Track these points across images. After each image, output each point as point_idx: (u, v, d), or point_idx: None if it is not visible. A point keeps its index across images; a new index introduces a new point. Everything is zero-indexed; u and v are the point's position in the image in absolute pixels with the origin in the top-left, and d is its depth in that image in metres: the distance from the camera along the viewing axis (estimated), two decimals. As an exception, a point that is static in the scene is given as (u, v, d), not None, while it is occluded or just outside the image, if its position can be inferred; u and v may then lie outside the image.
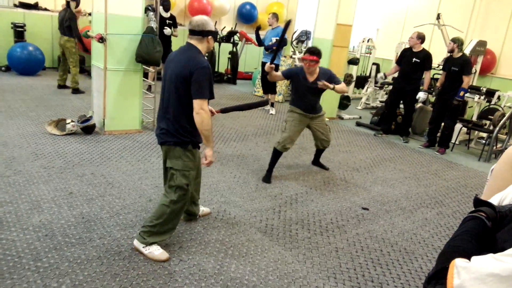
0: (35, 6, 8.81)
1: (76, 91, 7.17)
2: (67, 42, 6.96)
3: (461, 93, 5.79)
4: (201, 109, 2.47)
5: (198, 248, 2.87)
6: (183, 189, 2.64)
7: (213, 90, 2.58)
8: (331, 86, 4.02)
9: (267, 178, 4.19)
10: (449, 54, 6.09)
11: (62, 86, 7.37)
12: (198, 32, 2.55)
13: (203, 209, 3.32)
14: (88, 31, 5.24)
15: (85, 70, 8.98)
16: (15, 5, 8.70)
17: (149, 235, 2.67)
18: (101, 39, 4.71)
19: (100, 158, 4.30)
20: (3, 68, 8.36)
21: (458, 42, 5.90)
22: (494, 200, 1.12)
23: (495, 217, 0.97)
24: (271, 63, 3.92)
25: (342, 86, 4.14)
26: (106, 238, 2.85)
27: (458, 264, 0.81)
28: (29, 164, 3.92)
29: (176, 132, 2.58)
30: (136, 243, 2.71)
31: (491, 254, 0.79)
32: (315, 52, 3.99)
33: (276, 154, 4.23)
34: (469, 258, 0.82)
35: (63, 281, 2.36)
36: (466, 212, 4.07)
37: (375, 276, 2.81)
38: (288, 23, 3.92)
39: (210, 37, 2.59)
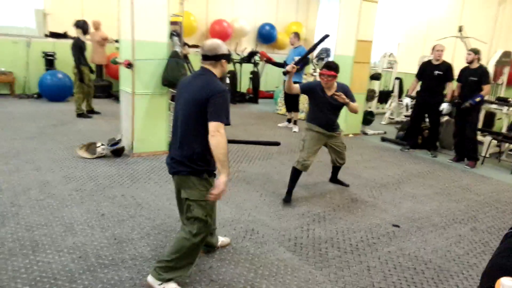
0: (64, 35, 9.23)
1: (80, 115, 7.23)
2: (74, 68, 7.12)
3: (477, 99, 5.71)
4: (217, 132, 2.32)
5: (228, 268, 2.86)
6: (202, 221, 2.48)
7: (229, 116, 2.43)
8: (347, 100, 3.96)
9: (288, 199, 4.09)
10: (465, 66, 6.02)
11: (89, 112, 7.57)
12: (212, 57, 2.47)
13: (222, 240, 3.14)
14: (116, 57, 5.44)
15: (112, 95, 9.28)
16: (46, 35, 9.14)
17: (165, 271, 2.49)
18: (129, 65, 4.88)
19: (130, 180, 4.39)
20: (35, 96, 8.74)
21: (478, 54, 5.88)
22: None
23: None
24: (296, 65, 3.92)
25: (356, 105, 4.09)
26: (137, 259, 2.89)
27: (505, 284, 0.79)
28: (62, 187, 4.05)
29: (190, 160, 2.44)
30: (150, 279, 2.52)
31: None
32: (332, 67, 3.97)
33: (296, 174, 4.14)
34: None
35: (98, 302, 2.40)
36: (501, 228, 3.92)
37: (410, 295, 2.73)
38: (325, 36, 3.98)
39: (223, 60, 2.52)
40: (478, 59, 5.90)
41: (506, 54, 7.84)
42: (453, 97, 6.25)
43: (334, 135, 4.24)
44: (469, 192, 4.90)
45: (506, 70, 7.97)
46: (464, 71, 6.04)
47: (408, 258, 3.22)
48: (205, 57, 2.49)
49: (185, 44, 7.89)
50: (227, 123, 2.42)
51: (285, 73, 3.99)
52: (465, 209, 4.36)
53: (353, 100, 4.09)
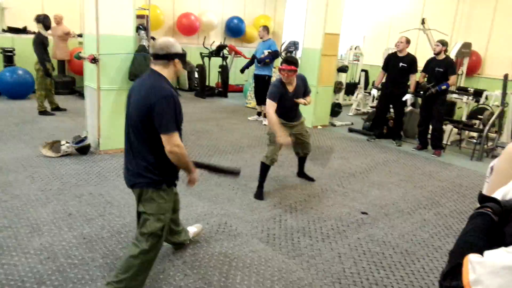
0: (23, 30, 8.83)
1: (42, 113, 6.98)
2: (35, 64, 6.86)
3: (443, 87, 5.92)
4: (173, 146, 2.15)
5: (202, 262, 2.87)
6: (157, 236, 2.31)
7: (180, 121, 2.26)
8: (307, 102, 4.14)
9: (259, 195, 4.07)
10: (432, 57, 6.23)
11: (55, 109, 7.30)
12: (162, 56, 2.25)
13: (194, 230, 3.06)
14: (80, 52, 5.27)
15: (75, 91, 8.99)
16: (4, 30, 8.71)
17: None
18: (94, 60, 4.75)
19: (97, 177, 4.29)
20: (-7, 93, 8.33)
21: (446, 45, 6.08)
22: (498, 195, 1.15)
23: (501, 211, 1.00)
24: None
25: (308, 98, 4.19)
26: (109, 257, 2.84)
27: (473, 260, 0.83)
28: (26, 187, 3.91)
29: (146, 171, 2.25)
30: None
31: (503, 248, 0.82)
32: (292, 62, 3.95)
33: (265, 169, 4.12)
34: (481, 254, 0.85)
35: (68, 302, 2.35)
36: (463, 211, 4.12)
37: (379, 279, 2.83)
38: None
39: (176, 60, 2.27)
40: (445, 51, 6.10)
41: (466, 45, 8.17)
42: (420, 84, 6.46)
43: (297, 123, 4.25)
44: (433, 179, 5.10)
45: (466, 61, 8.32)
46: (430, 62, 6.23)
47: (377, 243, 3.33)
48: (156, 56, 2.27)
49: (153, 38, 7.72)
50: (178, 129, 2.22)
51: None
52: (429, 195, 4.54)
53: (309, 92, 4.22)
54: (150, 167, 2.25)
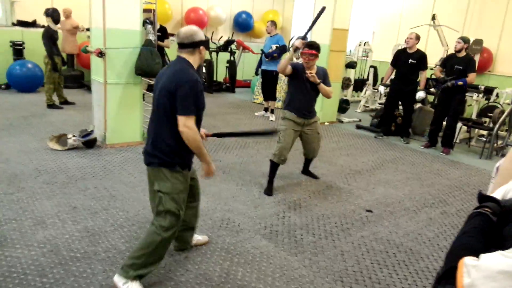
0: (33, 24, 8.89)
1: (50, 106, 7.03)
2: (45, 58, 6.91)
3: (460, 82, 5.72)
4: (184, 127, 2.26)
5: (203, 258, 2.86)
6: (174, 214, 2.40)
7: (201, 107, 2.38)
8: (318, 80, 3.91)
9: (269, 191, 4.05)
10: (452, 53, 6.08)
11: (63, 102, 7.35)
12: (188, 44, 2.36)
13: (198, 238, 3.01)
14: (87, 46, 5.29)
15: (84, 85, 9.04)
16: (14, 24, 8.78)
17: (133, 268, 2.37)
18: (100, 54, 4.76)
19: (103, 171, 4.31)
20: (3, 86, 8.41)
21: (468, 43, 5.90)
22: (498, 194, 1.11)
23: (500, 211, 0.96)
24: (303, 39, 3.88)
25: (329, 88, 4.04)
26: (111, 251, 2.85)
27: (468, 263, 0.81)
28: (32, 180, 3.94)
29: (161, 152, 2.37)
30: (116, 278, 2.40)
31: (499, 251, 0.79)
32: (314, 46, 3.90)
33: (274, 166, 4.09)
34: (477, 256, 0.82)
35: (69, 295, 2.36)
36: (470, 210, 4.03)
37: (382, 278, 2.80)
38: (322, 9, 3.94)
39: (201, 47, 2.40)
40: (467, 48, 5.91)
41: (477, 42, 8.03)
42: (429, 85, 6.34)
43: (310, 122, 4.13)
44: (440, 177, 5.04)
45: (477, 58, 8.17)
46: (449, 59, 6.07)
47: (381, 242, 3.30)
48: (182, 45, 2.37)
49: (163, 34, 7.66)
50: (198, 114, 2.35)
51: (295, 50, 3.83)
52: (436, 193, 4.48)
53: (328, 84, 4.06)
54: (166, 149, 2.36)
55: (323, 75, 4.05)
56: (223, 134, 2.87)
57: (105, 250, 2.85)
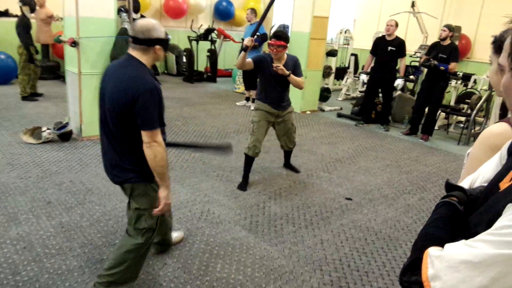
0: (5, 13, 8.55)
1: (25, 98, 6.79)
2: (19, 48, 6.65)
3: (442, 67, 5.70)
4: (153, 141, 1.99)
5: (182, 251, 2.83)
6: (152, 230, 2.24)
7: (163, 116, 2.11)
8: (287, 72, 3.70)
9: (243, 186, 3.92)
10: (436, 41, 6.11)
11: (33, 94, 7.04)
12: (143, 41, 2.02)
13: (175, 235, 2.90)
14: (60, 36, 5.12)
15: (60, 76, 8.79)
16: (-16, 13, 8.44)
17: (107, 286, 2.20)
18: (74, 43, 4.60)
19: (79, 165, 4.21)
20: (-26, 78, 8.11)
21: (453, 30, 5.91)
22: (466, 183, 1.11)
23: (467, 200, 0.96)
24: (252, 36, 3.65)
25: (299, 79, 3.81)
26: (87, 246, 2.79)
27: (432, 254, 0.80)
28: (5, 175, 3.81)
29: (136, 165, 2.10)
30: None
31: (463, 241, 0.78)
32: (282, 37, 3.70)
33: (249, 160, 3.96)
34: (442, 246, 0.81)
35: (43, 293, 2.31)
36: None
37: (361, 265, 2.83)
38: (272, 1, 3.70)
39: (158, 46, 2.06)
40: (452, 36, 5.93)
41: (455, 28, 8.10)
42: (408, 72, 6.36)
43: (284, 113, 3.99)
44: (419, 164, 5.10)
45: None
46: (434, 47, 6.07)
47: (360, 229, 3.32)
48: (135, 40, 2.04)
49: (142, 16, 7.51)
50: (161, 124, 2.08)
51: (245, 49, 3.61)
52: (415, 180, 4.54)
53: (299, 74, 3.86)
54: (141, 161, 2.06)
55: (293, 65, 3.84)
56: (176, 144, 2.55)
57: (80, 246, 2.79)
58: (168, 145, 2.39)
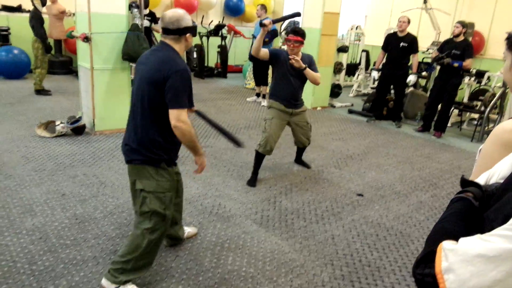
0: (18, 9, 8.67)
1: (39, 92, 6.87)
2: (34, 42, 6.73)
3: (455, 64, 5.61)
4: (178, 121, 2.08)
5: (194, 243, 2.86)
6: (159, 215, 2.23)
7: (192, 98, 2.23)
8: (303, 65, 3.70)
9: (252, 182, 3.91)
10: (449, 38, 6.04)
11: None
12: (174, 31, 2.14)
13: (188, 230, 2.90)
14: (73, 31, 5.17)
15: (72, 71, 8.90)
16: (-2, 9, 8.56)
17: (122, 272, 2.21)
18: (86, 39, 4.65)
19: (92, 158, 4.26)
20: (-11, 73, 8.25)
21: (467, 27, 5.83)
22: (481, 179, 1.11)
23: (482, 196, 0.96)
24: (273, 22, 3.68)
25: (317, 74, 3.81)
26: (101, 238, 2.83)
27: (446, 247, 0.80)
28: (20, 168, 3.88)
29: (145, 148, 2.17)
30: (104, 282, 2.24)
31: (478, 235, 0.78)
32: (299, 33, 3.72)
33: (259, 157, 3.94)
34: (456, 240, 0.81)
35: (59, 283, 2.35)
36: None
37: (372, 260, 2.82)
38: (296, 14, 3.83)
39: (188, 34, 2.19)
40: (465, 33, 5.85)
41: (468, 25, 7.99)
42: (421, 69, 6.28)
43: (297, 112, 3.97)
44: (431, 161, 5.06)
45: (468, 41, 8.15)
46: (447, 43, 6.00)
47: (371, 225, 3.31)
48: (166, 31, 2.16)
49: (153, 19, 7.55)
50: (190, 106, 2.20)
51: (262, 25, 3.54)
52: (427, 176, 4.51)
53: (315, 70, 3.86)
54: (151, 145, 2.17)
55: (309, 62, 3.84)
56: (204, 116, 2.61)
57: (94, 237, 2.83)
58: (198, 113, 2.57)
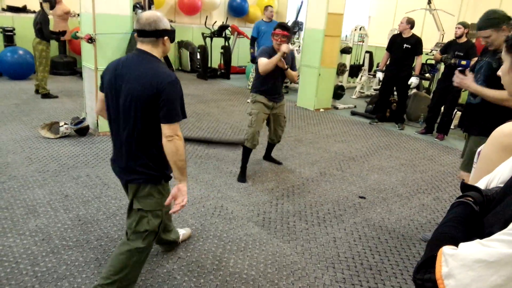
0: (23, 9, 8.73)
1: (46, 96, 6.81)
2: (38, 44, 6.69)
3: (463, 62, 5.55)
4: (175, 136, 1.96)
5: (196, 245, 2.87)
6: (154, 234, 2.16)
7: (184, 108, 2.06)
8: (286, 66, 3.86)
9: (242, 178, 4.01)
10: (452, 39, 6.01)
11: (39, 91, 6.91)
12: (150, 33, 1.98)
13: (183, 233, 2.87)
14: (77, 32, 5.20)
15: (76, 71, 8.93)
16: (3, 9, 8.62)
17: None
18: (90, 40, 4.68)
19: (95, 159, 4.28)
20: (-6, 74, 8.31)
21: (468, 28, 5.80)
22: (482, 184, 1.11)
23: (482, 201, 0.96)
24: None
25: (294, 73, 4.03)
26: (103, 239, 2.85)
27: (446, 252, 0.80)
28: (24, 169, 3.91)
29: (145, 166, 2.06)
30: None
31: (478, 240, 0.79)
32: (286, 27, 3.87)
33: (247, 152, 4.05)
34: (457, 245, 0.82)
35: (61, 284, 2.36)
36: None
37: (374, 263, 2.82)
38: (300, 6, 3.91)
39: (166, 38, 2.04)
40: (467, 33, 5.82)
41: (473, 26, 7.95)
42: (424, 70, 6.24)
43: (277, 105, 4.10)
44: (434, 163, 5.05)
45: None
46: (450, 45, 5.98)
47: (373, 228, 3.31)
48: (143, 33, 1.99)
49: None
50: (183, 117, 2.05)
51: (283, 53, 3.75)
52: (429, 179, 4.50)
53: (294, 68, 4.07)
54: (150, 162, 2.06)
55: (291, 58, 4.02)
56: (192, 139, 2.51)
57: (97, 238, 2.85)
58: (186, 140, 2.33)
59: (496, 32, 2.80)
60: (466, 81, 2.73)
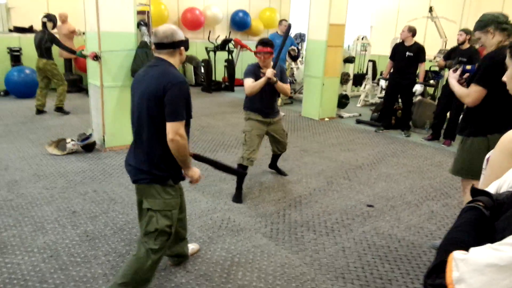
0: (30, 30, 8.89)
1: (59, 109, 6.92)
2: (46, 64, 6.74)
3: (468, 66, 5.55)
4: (176, 135, 2.07)
5: (204, 258, 2.85)
6: (165, 233, 2.21)
7: (191, 109, 2.20)
8: (275, 79, 3.68)
9: (238, 198, 3.82)
10: (455, 46, 6.01)
11: (40, 112, 6.96)
12: (168, 45, 2.16)
13: (192, 247, 2.88)
14: (82, 50, 5.28)
15: (83, 89, 9.05)
16: (10, 30, 8.79)
17: None
18: (96, 57, 4.75)
19: (102, 175, 4.30)
20: (1, 93, 8.43)
21: (470, 34, 5.82)
22: (492, 188, 1.10)
23: (493, 205, 0.95)
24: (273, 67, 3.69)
25: (286, 85, 3.87)
26: (111, 254, 2.84)
27: (457, 257, 0.80)
28: (31, 186, 3.93)
29: (152, 165, 2.17)
30: None
31: (489, 244, 0.78)
32: (268, 43, 3.74)
33: (244, 169, 3.88)
34: (467, 250, 0.81)
35: (70, 300, 2.35)
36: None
37: (384, 273, 2.78)
38: (289, 27, 3.89)
39: (182, 48, 2.22)
40: (470, 39, 5.82)
41: (472, 32, 7.97)
42: (428, 77, 6.23)
43: (274, 121, 4.00)
44: (442, 169, 5.01)
45: (475, 49, 8.11)
46: (453, 51, 5.98)
47: (382, 236, 3.27)
48: (160, 45, 2.17)
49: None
50: (188, 118, 2.19)
51: (269, 79, 3.64)
52: (438, 186, 4.45)
53: (285, 81, 3.91)
54: (156, 161, 2.17)
55: (280, 72, 3.88)
56: (202, 158, 2.51)
57: (105, 254, 2.84)
58: (195, 157, 2.43)
59: (484, 34, 2.82)
60: (450, 79, 2.93)
